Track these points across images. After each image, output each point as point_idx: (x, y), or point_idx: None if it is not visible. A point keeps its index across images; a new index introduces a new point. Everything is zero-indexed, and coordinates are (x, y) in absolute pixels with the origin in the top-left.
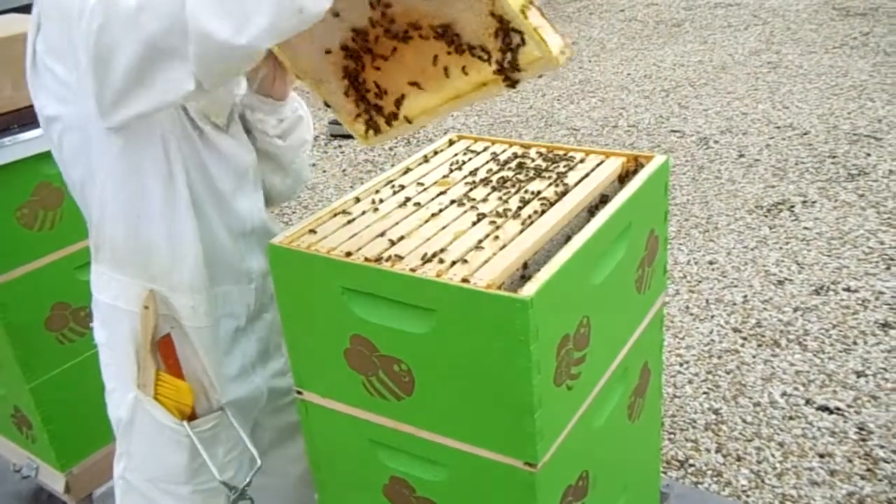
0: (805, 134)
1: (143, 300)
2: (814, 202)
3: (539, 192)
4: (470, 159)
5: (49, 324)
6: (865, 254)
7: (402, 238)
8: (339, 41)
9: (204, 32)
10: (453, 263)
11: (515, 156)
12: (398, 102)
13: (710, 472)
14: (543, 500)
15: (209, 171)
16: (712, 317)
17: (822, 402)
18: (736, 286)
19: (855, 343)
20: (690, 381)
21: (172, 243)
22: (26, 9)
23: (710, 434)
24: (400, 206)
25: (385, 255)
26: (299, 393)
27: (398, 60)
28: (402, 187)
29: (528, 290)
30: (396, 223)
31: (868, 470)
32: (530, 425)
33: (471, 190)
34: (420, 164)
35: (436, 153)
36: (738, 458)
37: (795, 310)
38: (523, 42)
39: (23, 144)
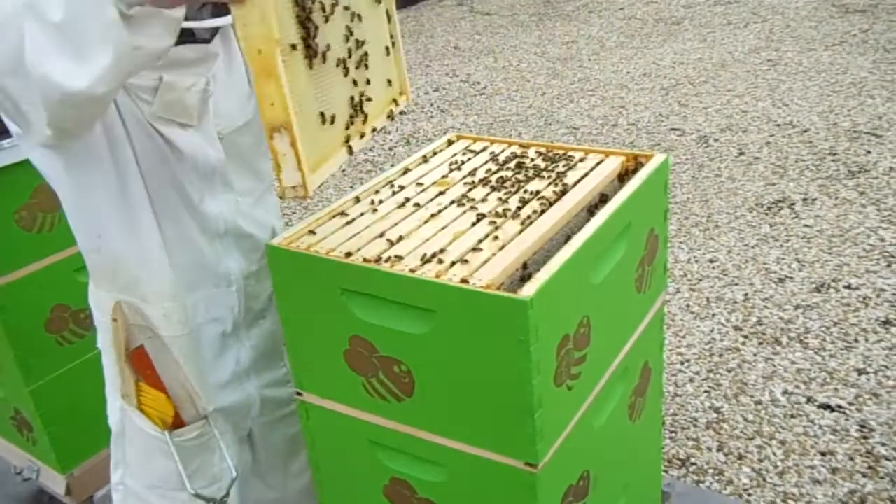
0: (805, 131)
1: (112, 312)
2: (814, 200)
3: (538, 192)
4: (469, 159)
5: (49, 326)
6: (866, 251)
7: (401, 238)
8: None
9: (43, 75)
10: (453, 264)
11: (514, 155)
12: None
13: (711, 471)
14: (544, 501)
15: (176, 175)
16: (713, 315)
17: (823, 399)
18: (737, 284)
19: (856, 341)
20: (691, 380)
21: (136, 255)
22: None
23: (712, 433)
24: (399, 206)
25: (384, 255)
26: (299, 394)
27: None
28: (402, 188)
29: (528, 290)
30: (396, 224)
31: (870, 468)
32: (530, 426)
33: (470, 190)
34: (419, 164)
35: (435, 153)
36: (740, 457)
37: (796, 307)
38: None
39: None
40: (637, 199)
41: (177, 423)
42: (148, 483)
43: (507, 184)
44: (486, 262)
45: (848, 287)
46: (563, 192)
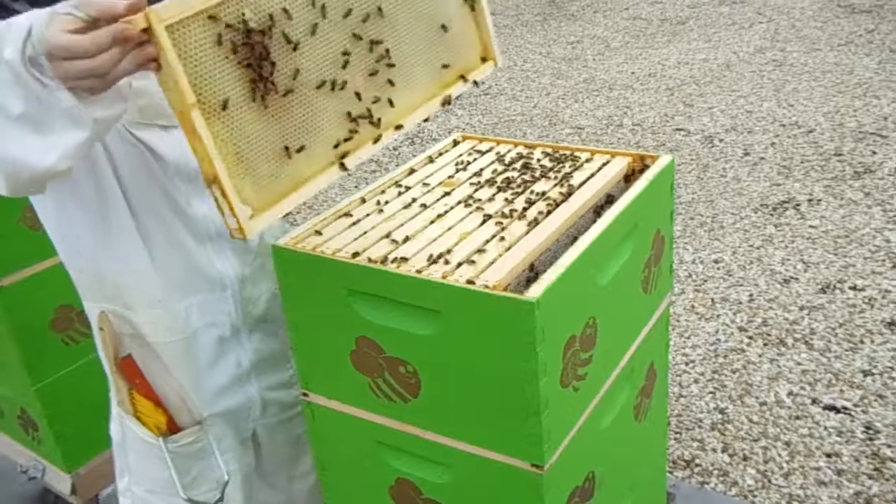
0: (810, 132)
1: (98, 322)
2: (819, 200)
3: (545, 193)
4: (475, 160)
5: (54, 325)
6: (872, 252)
7: (407, 239)
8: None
9: (10, 159)
10: (459, 265)
11: (520, 156)
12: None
13: (716, 472)
14: (550, 502)
15: (159, 180)
16: (718, 316)
17: (828, 401)
18: (741, 285)
19: (861, 342)
20: (696, 381)
21: (119, 265)
22: None
23: (717, 434)
24: (405, 206)
25: (391, 256)
26: (305, 395)
27: None
28: (408, 188)
29: (535, 291)
30: (402, 224)
31: (875, 469)
32: (537, 427)
33: (476, 190)
34: (425, 164)
35: (441, 154)
36: (745, 458)
37: (801, 308)
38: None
39: None
40: (643, 200)
41: (173, 429)
42: (149, 488)
43: (514, 184)
44: (492, 262)
45: (853, 288)
46: (570, 193)
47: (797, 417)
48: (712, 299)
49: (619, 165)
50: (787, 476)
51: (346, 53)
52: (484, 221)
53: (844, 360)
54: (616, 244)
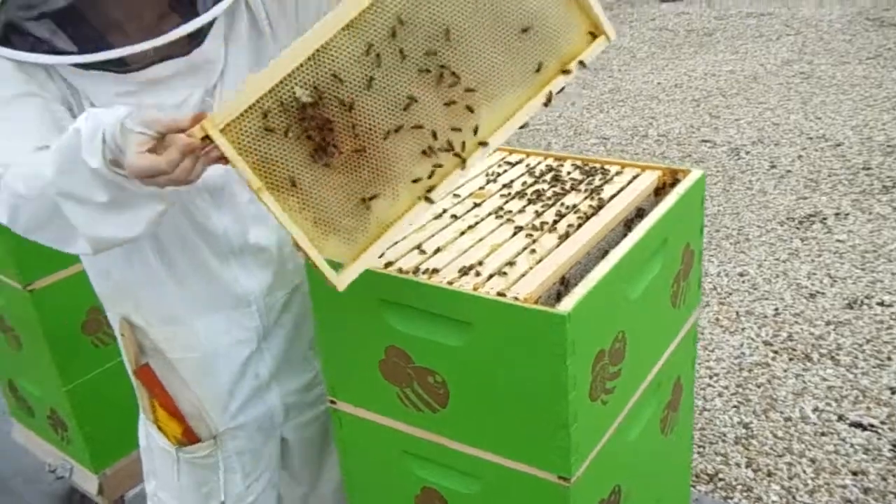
0: (838, 145)
1: (119, 328)
2: (847, 214)
3: (575, 206)
4: (505, 171)
5: (85, 328)
6: None
7: (438, 250)
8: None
9: (96, 238)
10: (490, 276)
11: (550, 168)
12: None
13: (739, 487)
14: None
15: (181, 199)
16: (743, 329)
17: (855, 418)
18: (767, 299)
19: (889, 358)
20: (720, 395)
21: (138, 284)
22: None
23: (741, 448)
24: (436, 217)
25: (422, 267)
26: (332, 402)
27: None
28: None
29: (566, 304)
30: (433, 235)
31: None
32: (565, 439)
33: (506, 202)
34: None
35: None
36: (769, 474)
37: (828, 324)
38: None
39: None
40: (674, 215)
41: (191, 440)
42: (173, 494)
43: (544, 197)
44: (523, 275)
45: (881, 304)
46: (600, 207)
47: (823, 434)
48: (737, 312)
49: (650, 179)
50: (812, 493)
51: (411, 98)
52: (515, 233)
53: (871, 376)
54: (647, 258)
